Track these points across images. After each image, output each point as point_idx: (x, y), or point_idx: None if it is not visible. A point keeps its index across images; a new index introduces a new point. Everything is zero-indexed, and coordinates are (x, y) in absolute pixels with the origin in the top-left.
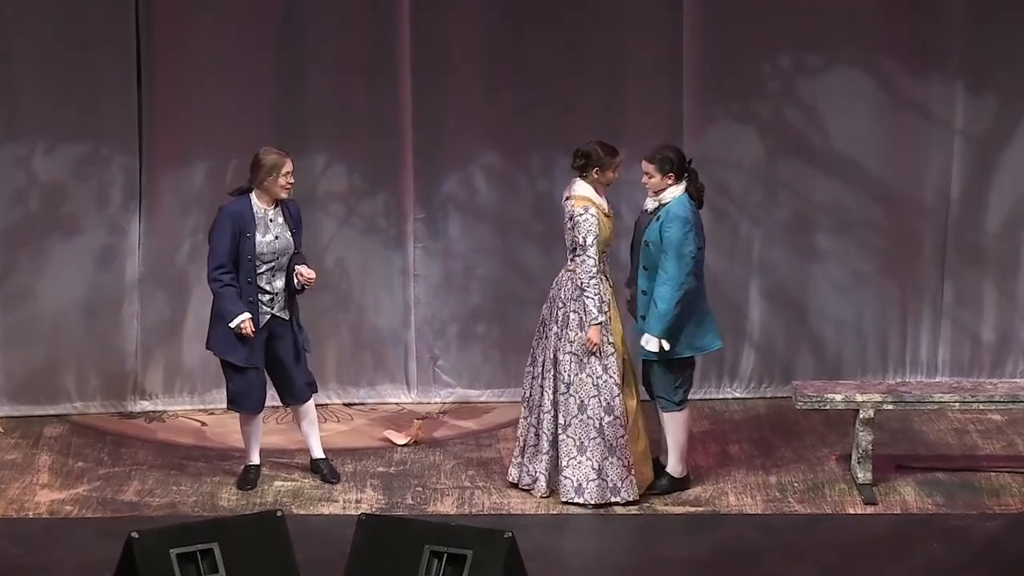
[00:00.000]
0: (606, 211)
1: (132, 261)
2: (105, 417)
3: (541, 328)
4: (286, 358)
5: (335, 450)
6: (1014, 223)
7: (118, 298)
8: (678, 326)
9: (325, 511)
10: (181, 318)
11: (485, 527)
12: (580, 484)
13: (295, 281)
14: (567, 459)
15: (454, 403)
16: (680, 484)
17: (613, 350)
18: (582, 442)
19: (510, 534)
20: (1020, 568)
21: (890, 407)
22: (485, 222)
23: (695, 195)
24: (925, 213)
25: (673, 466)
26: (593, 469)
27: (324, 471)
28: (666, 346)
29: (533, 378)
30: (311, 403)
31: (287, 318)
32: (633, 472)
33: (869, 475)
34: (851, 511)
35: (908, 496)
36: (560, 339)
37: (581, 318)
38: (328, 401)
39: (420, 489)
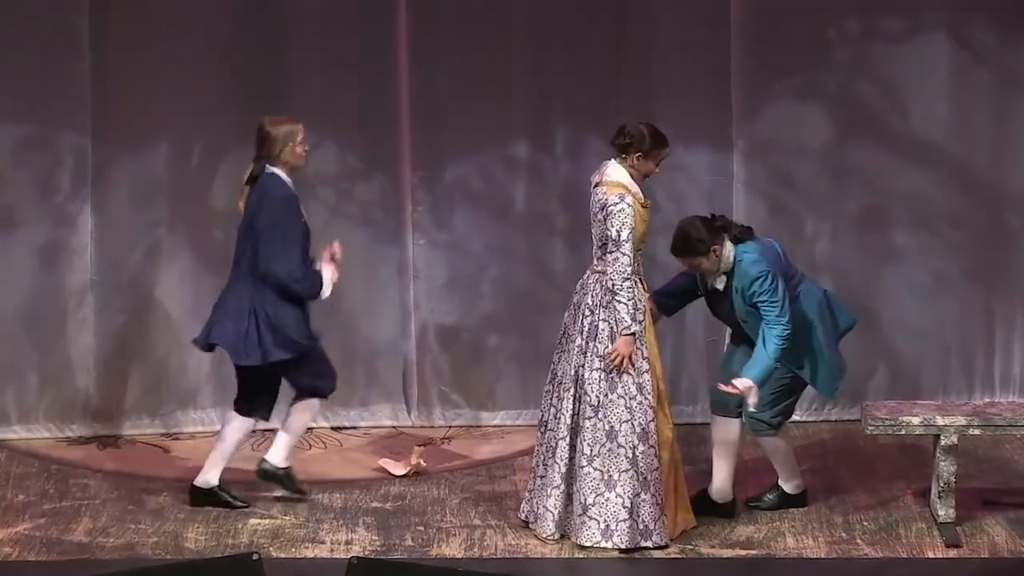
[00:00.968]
0: (643, 201)
1: (82, 260)
2: (50, 442)
3: (563, 340)
4: None
5: (321, 482)
6: None
7: (65, 303)
8: (831, 351)
9: (309, 554)
10: (140, 327)
11: (499, 574)
12: (608, 525)
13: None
14: (593, 496)
15: (462, 427)
16: (794, 500)
17: (648, 366)
18: (611, 475)
19: None
20: None
21: (977, 432)
22: (498, 213)
23: (744, 236)
24: (1021, 206)
25: (785, 482)
26: (624, 507)
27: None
28: (752, 400)
29: (551, 398)
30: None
31: None
32: (666, 512)
33: (952, 512)
34: (931, 555)
35: (998, 537)
36: (586, 353)
37: (612, 328)
38: (313, 424)
39: (422, 528)
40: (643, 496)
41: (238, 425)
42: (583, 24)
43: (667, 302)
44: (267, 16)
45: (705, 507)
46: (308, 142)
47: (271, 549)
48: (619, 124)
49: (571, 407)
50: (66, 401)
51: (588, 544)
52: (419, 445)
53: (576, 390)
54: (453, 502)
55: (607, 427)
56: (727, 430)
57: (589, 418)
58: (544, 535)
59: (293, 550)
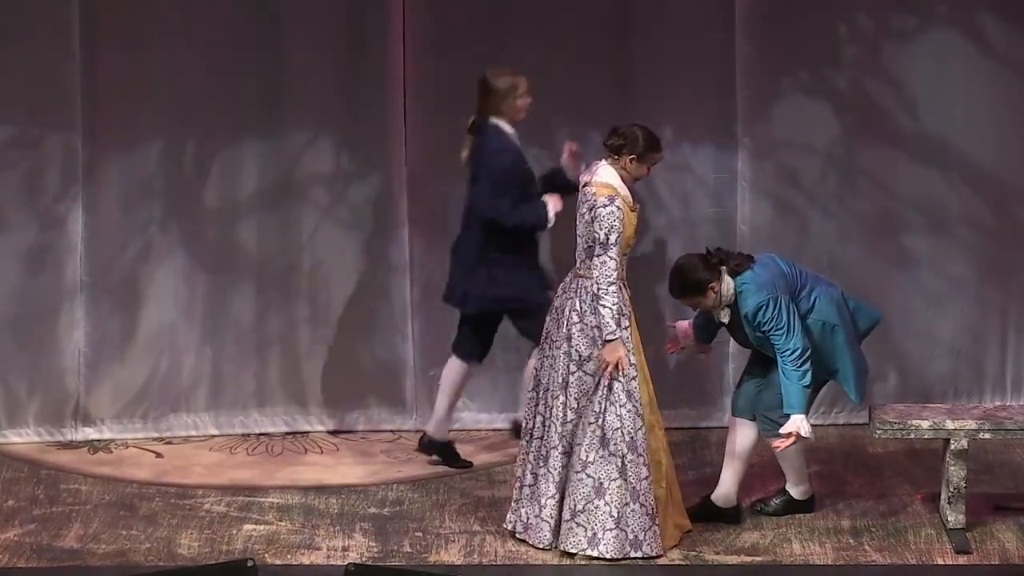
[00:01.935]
0: (631, 205)
1: (72, 260)
2: (40, 447)
3: (546, 345)
4: None
5: (318, 487)
6: None
7: (55, 304)
8: (854, 353)
9: (305, 560)
10: (132, 329)
11: None
12: (595, 534)
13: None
14: (583, 503)
15: (461, 431)
16: (801, 506)
17: (636, 372)
18: (601, 483)
19: None
20: None
21: (987, 436)
22: None
23: (741, 267)
24: None
25: (792, 487)
26: (611, 517)
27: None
28: (806, 431)
29: (536, 405)
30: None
31: None
32: (658, 522)
33: (962, 518)
34: (940, 561)
35: (1008, 543)
36: (572, 359)
37: (598, 333)
38: (309, 428)
39: (420, 534)
40: (632, 506)
41: (455, 367)
42: (586, 20)
43: (701, 334)
44: (261, 13)
45: (709, 513)
46: (300, 143)
47: (266, 556)
48: (615, 124)
49: (561, 414)
50: (56, 404)
51: (573, 551)
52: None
53: (565, 397)
54: (452, 507)
55: (600, 434)
56: (744, 435)
57: (591, 423)
58: (541, 544)
59: (289, 556)
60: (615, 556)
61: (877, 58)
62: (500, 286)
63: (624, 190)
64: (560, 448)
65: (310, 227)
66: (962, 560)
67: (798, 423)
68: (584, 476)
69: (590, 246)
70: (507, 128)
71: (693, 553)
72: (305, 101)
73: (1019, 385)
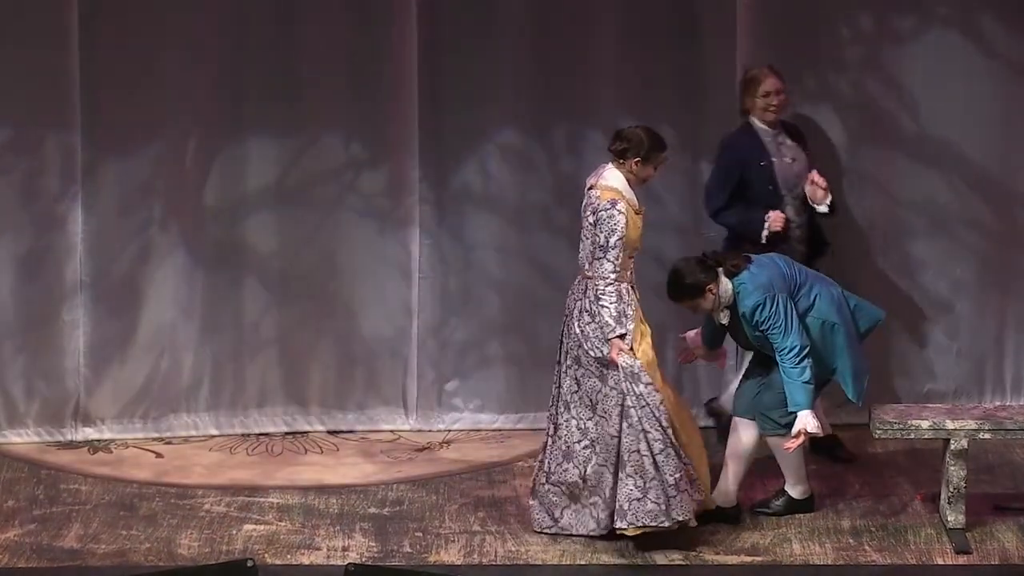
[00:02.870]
0: (637, 208)
1: (72, 260)
2: (40, 447)
3: (561, 353)
4: None
5: (317, 487)
6: None
7: (55, 304)
8: (853, 352)
9: (305, 560)
10: (132, 329)
11: None
12: (622, 506)
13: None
14: (642, 480)
15: (462, 431)
16: (801, 506)
17: (642, 365)
18: (617, 462)
19: None
20: None
21: (987, 436)
22: (501, 211)
23: (738, 268)
24: None
25: (791, 487)
26: (636, 488)
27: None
28: (813, 427)
29: (559, 415)
30: None
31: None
32: (689, 488)
33: (962, 518)
34: (940, 561)
35: (1008, 543)
36: (581, 362)
37: (602, 336)
38: (309, 428)
39: (420, 534)
40: (655, 479)
41: None
42: (592, 21)
43: (708, 339)
44: (266, 7)
45: (709, 513)
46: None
47: (266, 556)
48: (619, 127)
49: (587, 413)
50: (56, 404)
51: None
52: None
53: (582, 396)
54: (452, 508)
55: (608, 422)
56: (745, 435)
57: (591, 418)
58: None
59: (289, 557)
60: (649, 523)
61: (878, 60)
62: None
63: (629, 193)
64: (580, 444)
65: (312, 227)
66: (962, 560)
67: (805, 420)
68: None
69: (592, 248)
70: (758, 125)
71: (693, 553)
72: (310, 100)
73: (1019, 385)
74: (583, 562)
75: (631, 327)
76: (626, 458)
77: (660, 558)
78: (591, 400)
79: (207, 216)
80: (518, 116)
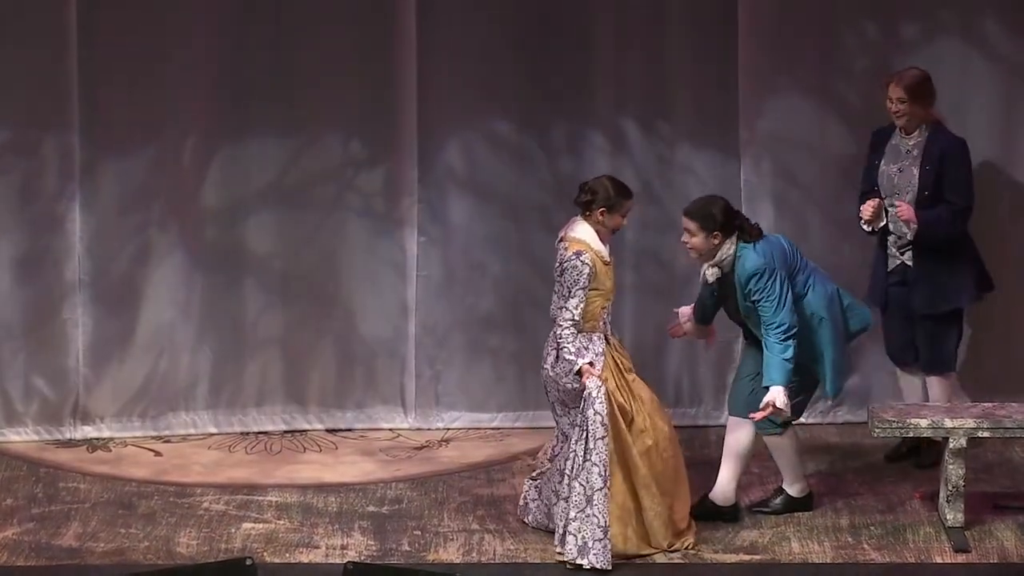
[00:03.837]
0: (605, 259)
1: (71, 260)
2: (40, 445)
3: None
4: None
5: (316, 486)
6: None
7: (54, 305)
8: (836, 353)
9: (304, 559)
10: (131, 328)
11: None
12: (586, 543)
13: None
14: (575, 511)
15: (460, 429)
16: (800, 504)
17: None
18: (591, 494)
19: None
20: None
21: (986, 434)
22: (498, 208)
23: (751, 236)
24: None
25: (789, 485)
26: (599, 527)
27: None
28: (781, 403)
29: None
30: (935, 379)
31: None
32: (609, 535)
33: (961, 517)
34: (939, 560)
35: (1007, 542)
36: (564, 402)
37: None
38: (308, 427)
39: (419, 533)
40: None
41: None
42: (591, 20)
43: (700, 313)
44: (263, 6)
45: (707, 512)
46: (304, 136)
47: (265, 554)
48: (618, 126)
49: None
50: (55, 403)
51: (568, 560)
52: None
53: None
54: (451, 506)
55: (583, 446)
56: (740, 433)
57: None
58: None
59: (287, 555)
60: (605, 567)
61: (878, 63)
62: None
63: (597, 244)
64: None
65: (311, 227)
66: (961, 559)
67: (775, 395)
68: (576, 484)
69: (558, 297)
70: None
71: (691, 552)
72: (308, 100)
73: (1018, 383)
74: (582, 561)
75: (595, 359)
76: (571, 485)
77: (659, 556)
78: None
79: (206, 216)
80: (517, 116)
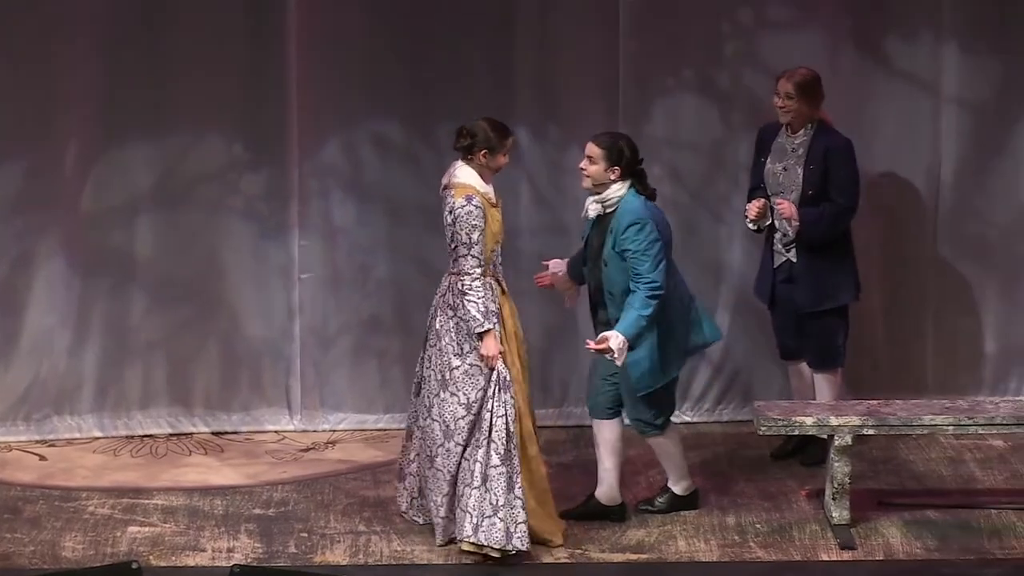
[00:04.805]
0: (492, 200)
1: None
2: None
3: (426, 345)
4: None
5: (202, 488)
6: (1022, 211)
7: None
8: (667, 347)
9: (190, 562)
10: (14, 332)
11: None
12: (477, 522)
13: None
14: (469, 489)
15: (346, 431)
16: (685, 502)
17: (505, 367)
18: (485, 473)
19: None
20: None
21: (871, 432)
22: (384, 210)
23: (645, 191)
24: (912, 201)
25: (675, 484)
26: (490, 504)
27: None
28: (619, 358)
29: (422, 406)
30: (822, 376)
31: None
32: (539, 511)
33: (846, 514)
34: (824, 557)
35: (893, 539)
36: (450, 353)
37: (468, 327)
38: (193, 429)
39: (305, 535)
40: (508, 496)
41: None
42: (472, 20)
43: (574, 269)
44: (137, 8)
45: (594, 512)
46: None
47: (151, 558)
48: (507, 123)
49: (450, 410)
50: None
51: (460, 538)
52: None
53: (446, 393)
54: (337, 508)
55: (482, 425)
56: (605, 431)
57: (463, 416)
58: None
59: (173, 558)
60: (499, 546)
61: (755, 53)
62: None
63: (484, 187)
64: (446, 445)
65: (195, 228)
66: (847, 556)
67: (616, 340)
68: (468, 463)
69: (455, 247)
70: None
71: (579, 551)
72: (188, 103)
73: (901, 381)
74: (468, 562)
75: (496, 325)
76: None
77: (546, 556)
78: (427, 402)
79: (88, 220)
80: (400, 115)
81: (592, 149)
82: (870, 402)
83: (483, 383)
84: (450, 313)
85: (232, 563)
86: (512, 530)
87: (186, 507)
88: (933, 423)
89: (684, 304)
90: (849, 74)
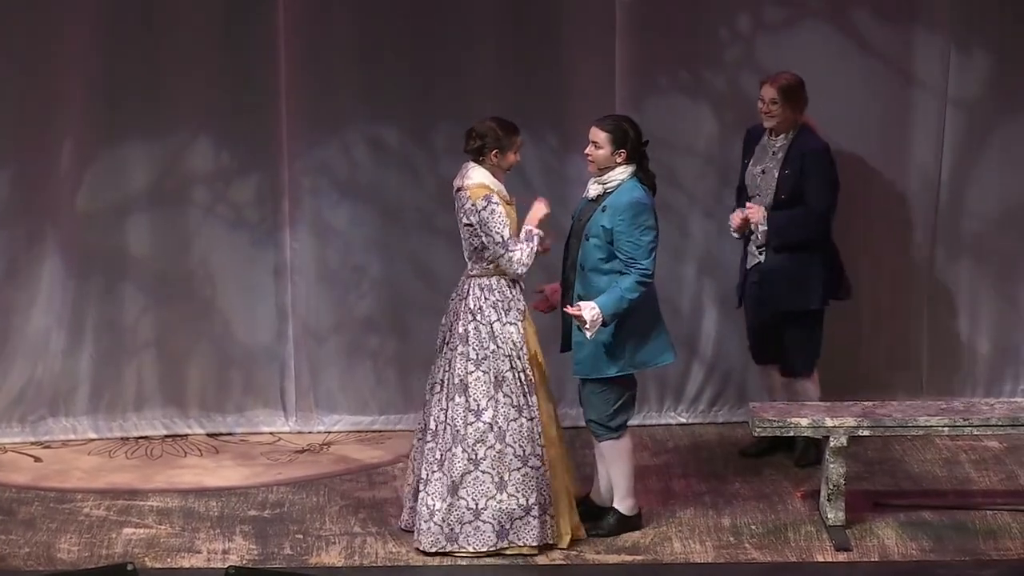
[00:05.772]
0: (507, 199)
1: None
2: None
3: (444, 347)
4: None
5: (197, 490)
6: (1017, 210)
7: None
8: (619, 341)
9: (186, 564)
10: (8, 333)
11: None
12: (503, 526)
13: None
14: (484, 499)
15: (341, 432)
16: (630, 523)
17: (528, 366)
18: (502, 477)
19: None
20: None
21: (866, 433)
22: (378, 211)
23: (647, 184)
24: (909, 198)
25: (620, 501)
26: (520, 507)
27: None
28: (591, 329)
29: (435, 409)
30: (791, 380)
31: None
32: (557, 513)
33: (842, 515)
34: (820, 558)
35: (888, 540)
36: (468, 359)
37: (492, 330)
38: (188, 431)
39: (300, 536)
40: (535, 495)
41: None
42: (465, 23)
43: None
44: (133, 10)
45: (590, 512)
46: (179, 141)
47: (146, 559)
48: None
49: (463, 415)
50: None
51: (484, 549)
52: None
53: (464, 398)
54: (332, 509)
55: (496, 429)
56: (604, 446)
57: (471, 423)
58: (433, 549)
59: (169, 560)
60: (535, 543)
61: (752, 53)
62: None
63: (498, 186)
64: (457, 450)
65: (190, 229)
66: (842, 557)
67: (593, 312)
68: (480, 473)
69: (477, 249)
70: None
71: (574, 552)
72: (182, 104)
73: (897, 382)
74: (464, 563)
75: (521, 323)
76: (507, 478)
77: (541, 558)
78: (443, 404)
79: (82, 220)
80: (395, 118)
81: (596, 134)
82: (865, 403)
83: (500, 390)
84: (469, 317)
85: (227, 565)
86: (546, 528)
87: (181, 509)
88: (928, 424)
89: (651, 315)
90: (847, 74)
